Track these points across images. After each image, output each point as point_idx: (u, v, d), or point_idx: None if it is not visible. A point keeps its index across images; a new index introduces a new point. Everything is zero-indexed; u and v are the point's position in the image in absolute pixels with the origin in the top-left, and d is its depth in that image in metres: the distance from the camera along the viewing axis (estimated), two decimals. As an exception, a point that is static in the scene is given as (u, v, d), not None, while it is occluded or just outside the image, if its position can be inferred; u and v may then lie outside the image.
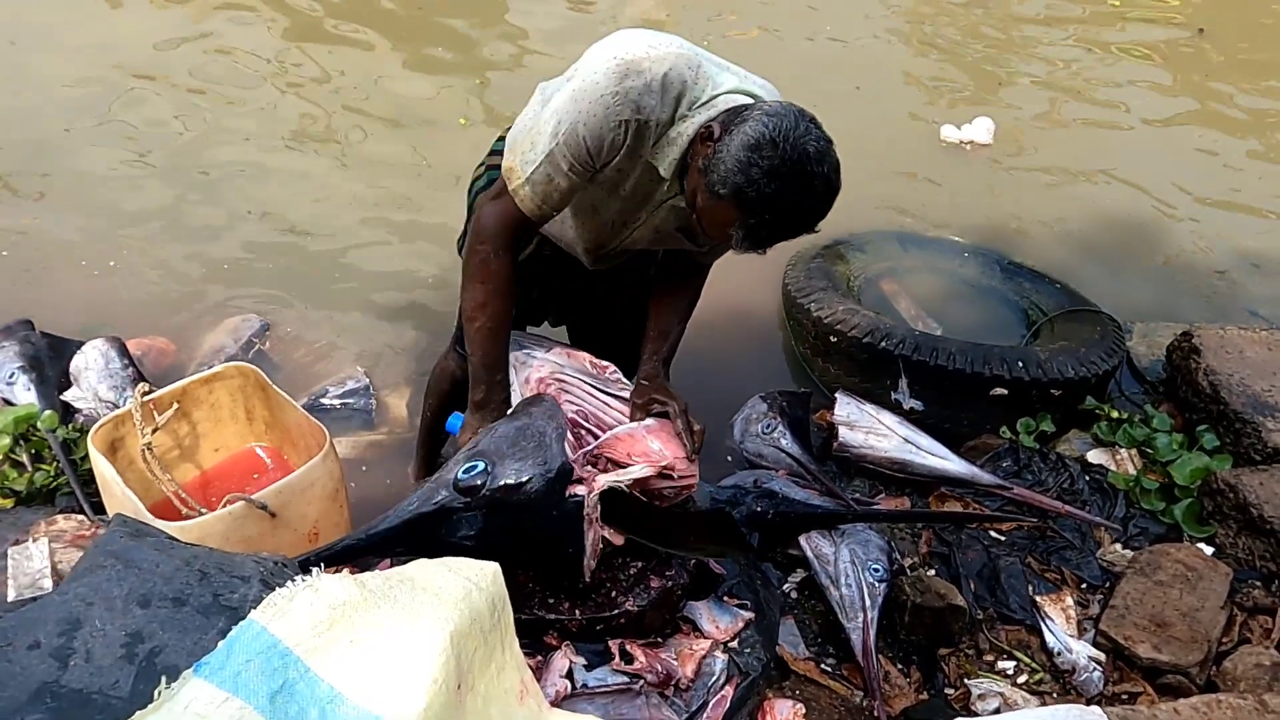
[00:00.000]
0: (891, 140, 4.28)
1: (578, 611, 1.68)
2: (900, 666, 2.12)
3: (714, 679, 1.72)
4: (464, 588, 1.36)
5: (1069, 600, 2.25)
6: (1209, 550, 2.39)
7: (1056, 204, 4.05)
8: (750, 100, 1.58)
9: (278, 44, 4.48)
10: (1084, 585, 2.33)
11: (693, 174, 1.56)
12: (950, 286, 3.34)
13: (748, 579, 2.00)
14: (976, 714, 2.00)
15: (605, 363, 1.89)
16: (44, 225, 3.35)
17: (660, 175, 1.64)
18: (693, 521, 1.83)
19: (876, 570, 2.17)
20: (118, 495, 1.86)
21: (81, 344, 2.59)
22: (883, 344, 2.74)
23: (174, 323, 3.03)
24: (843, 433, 2.58)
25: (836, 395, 2.68)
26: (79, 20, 4.48)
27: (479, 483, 1.53)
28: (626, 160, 1.63)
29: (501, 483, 1.53)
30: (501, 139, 1.92)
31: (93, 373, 2.50)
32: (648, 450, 1.67)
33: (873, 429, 2.60)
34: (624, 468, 1.67)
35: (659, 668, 1.66)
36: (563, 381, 1.81)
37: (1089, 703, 2.02)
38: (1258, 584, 2.29)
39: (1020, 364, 2.70)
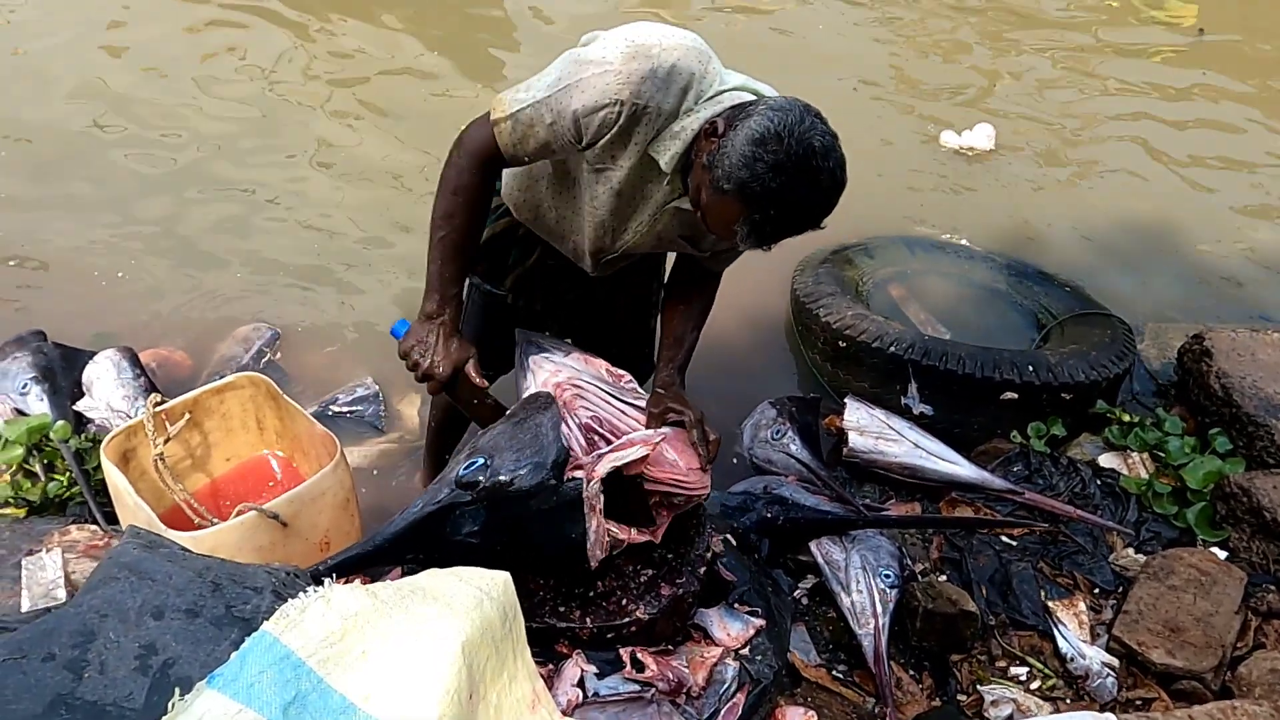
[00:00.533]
0: (892, 146, 4.28)
1: (589, 619, 1.68)
2: (912, 673, 2.12)
3: (725, 687, 1.72)
4: (475, 597, 1.36)
5: (1081, 605, 2.24)
6: (1222, 554, 2.37)
7: (1062, 208, 4.04)
8: (755, 97, 1.58)
9: (288, 53, 4.50)
10: (1096, 590, 2.32)
11: (696, 170, 1.56)
12: (959, 290, 3.33)
13: (758, 586, 1.99)
14: (989, 720, 1.99)
15: (621, 371, 1.89)
16: (54, 235, 3.37)
17: (661, 169, 1.63)
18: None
19: (888, 576, 2.16)
20: (130, 505, 1.87)
21: (94, 354, 2.60)
22: (892, 349, 2.73)
23: (185, 332, 3.05)
24: (852, 438, 2.58)
25: (846, 400, 2.67)
26: (86, 33, 4.51)
27: (479, 477, 1.56)
28: (618, 144, 1.63)
29: (501, 475, 1.55)
30: None
31: (105, 383, 2.52)
32: (662, 459, 1.67)
33: (882, 434, 2.60)
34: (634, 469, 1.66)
35: (670, 676, 1.66)
36: (579, 387, 1.82)
37: (1103, 709, 2.02)
38: (1272, 588, 2.28)
39: (1030, 368, 2.69)
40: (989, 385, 2.68)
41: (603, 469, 1.59)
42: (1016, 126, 4.49)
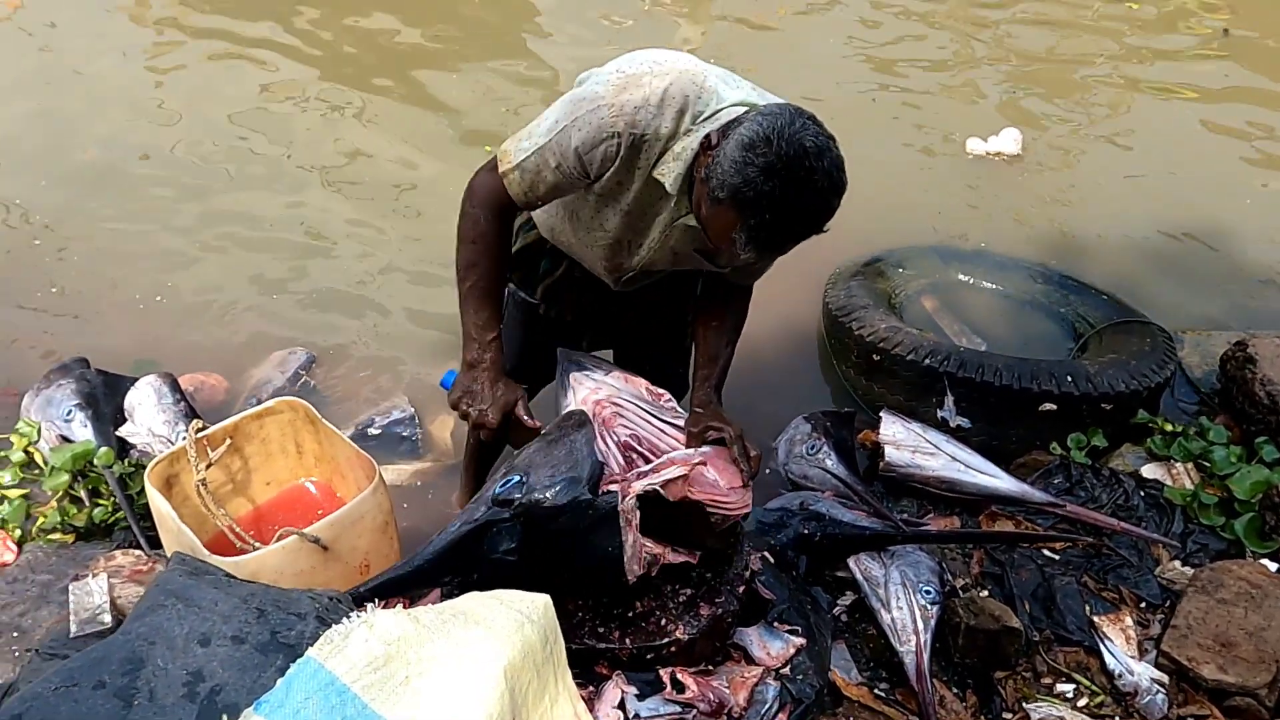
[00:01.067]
0: (916, 155, 4.25)
1: (628, 640, 1.68)
2: (956, 690, 2.08)
3: (767, 707, 1.71)
4: (516, 620, 1.37)
5: (1128, 620, 2.20)
6: (1273, 566, 2.32)
7: (1093, 213, 3.98)
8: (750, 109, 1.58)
9: (320, 84, 4.56)
10: (1143, 604, 2.28)
11: (696, 185, 1.56)
12: (993, 300, 3.30)
13: (798, 604, 1.98)
14: (1036, 739, 1.96)
15: (661, 390, 1.89)
16: (93, 262, 3.44)
17: (666, 191, 1.64)
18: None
19: (928, 592, 2.13)
20: (174, 530, 1.89)
21: (135, 380, 2.64)
22: (927, 361, 2.71)
23: (221, 356, 3.09)
24: (889, 452, 2.55)
25: (881, 414, 2.65)
26: (120, 61, 4.61)
27: (516, 495, 1.57)
28: (623, 172, 1.65)
29: (536, 492, 1.56)
30: None
31: (146, 408, 2.55)
32: (702, 478, 1.66)
33: (919, 448, 2.57)
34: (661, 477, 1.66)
35: (711, 696, 1.65)
36: (618, 405, 1.82)
37: (1153, 726, 1.98)
38: (1326, 600, 2.22)
39: (1069, 378, 2.65)
40: (1027, 396, 2.64)
41: (639, 486, 1.59)
42: (1043, 130, 4.45)
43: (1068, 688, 2.09)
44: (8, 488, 2.38)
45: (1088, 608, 2.23)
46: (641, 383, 1.90)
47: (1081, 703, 2.06)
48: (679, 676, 1.67)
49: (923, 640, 2.05)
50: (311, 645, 1.28)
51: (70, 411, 2.51)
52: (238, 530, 1.98)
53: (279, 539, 1.84)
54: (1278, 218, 3.98)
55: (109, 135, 4.10)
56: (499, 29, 5.10)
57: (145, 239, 3.57)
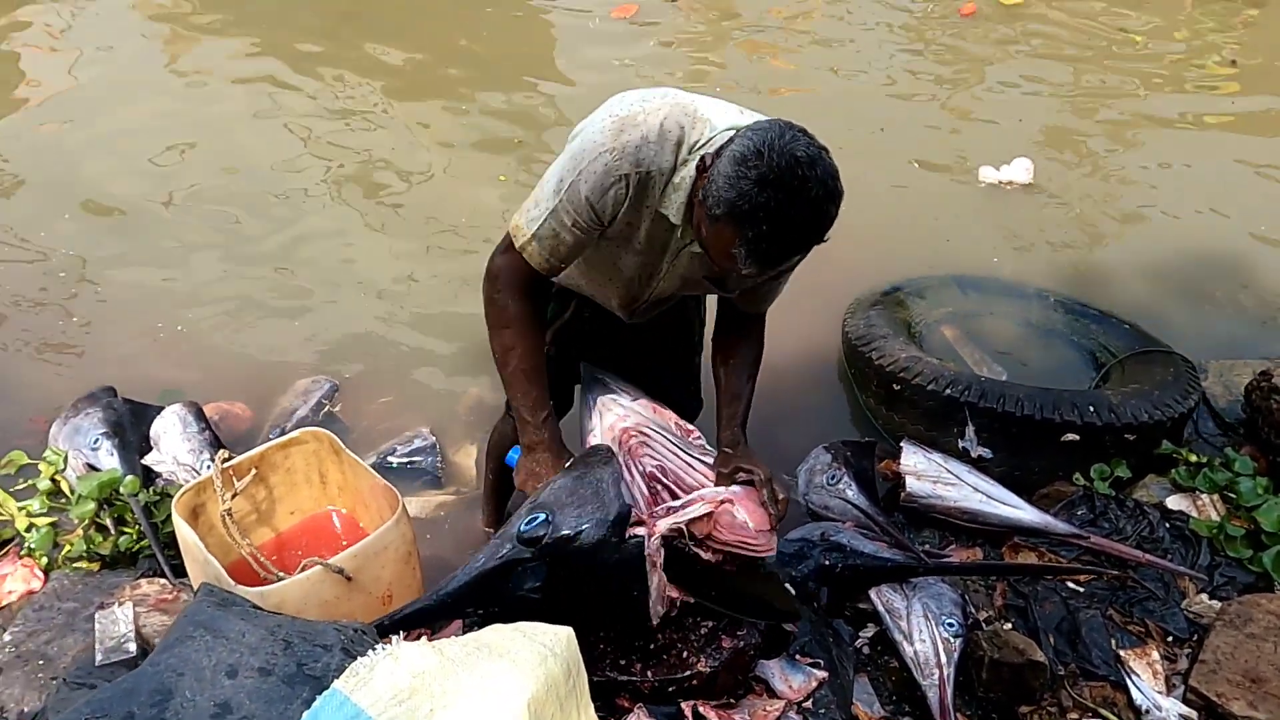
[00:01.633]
0: (927, 184, 4.25)
1: (649, 673, 1.68)
2: (980, 726, 2.06)
3: (789, 741, 1.70)
4: (540, 653, 1.37)
5: (1155, 654, 2.17)
6: (1303, 600, 2.29)
7: (1108, 240, 3.97)
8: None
9: (337, 118, 4.62)
10: (1170, 638, 2.25)
11: (695, 209, 1.57)
12: (1013, 329, 3.29)
13: (819, 636, 1.97)
14: (1063, 776, 1.93)
15: (691, 426, 1.90)
16: (118, 290, 3.50)
17: (672, 223, 1.66)
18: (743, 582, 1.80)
19: (951, 625, 2.12)
20: (200, 560, 1.91)
21: (161, 409, 2.68)
22: (947, 391, 2.70)
23: (245, 385, 3.12)
24: (910, 482, 2.54)
25: (902, 444, 2.64)
26: (148, 97, 4.70)
27: (541, 533, 1.57)
28: (633, 212, 1.67)
29: (563, 531, 1.56)
30: None
31: (171, 437, 2.58)
32: (732, 520, 1.67)
33: (940, 478, 2.56)
34: (693, 521, 1.66)
35: (734, 730, 1.64)
36: (645, 435, 1.83)
37: (1182, 764, 1.95)
38: (1357, 635, 2.19)
39: (1091, 408, 2.64)
40: (1049, 427, 2.63)
41: (664, 525, 1.60)
42: (1054, 159, 4.44)
43: (1094, 723, 2.07)
44: (35, 516, 2.42)
45: (1113, 641, 2.21)
46: (671, 415, 1.91)
47: (1108, 739, 2.03)
48: (701, 710, 1.66)
49: (946, 674, 2.04)
50: (337, 677, 1.29)
51: (97, 440, 2.55)
52: (261, 559, 2.00)
53: (303, 569, 1.85)
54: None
55: (133, 167, 4.17)
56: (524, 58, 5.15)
57: (171, 269, 3.63)
